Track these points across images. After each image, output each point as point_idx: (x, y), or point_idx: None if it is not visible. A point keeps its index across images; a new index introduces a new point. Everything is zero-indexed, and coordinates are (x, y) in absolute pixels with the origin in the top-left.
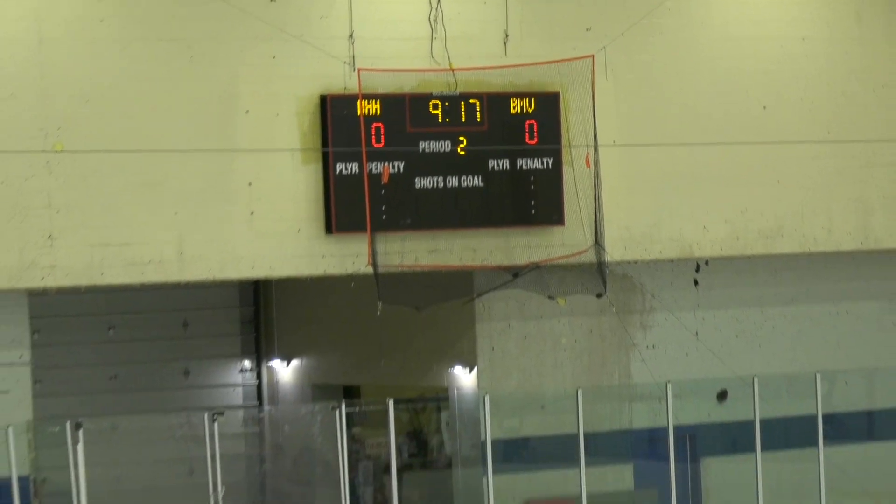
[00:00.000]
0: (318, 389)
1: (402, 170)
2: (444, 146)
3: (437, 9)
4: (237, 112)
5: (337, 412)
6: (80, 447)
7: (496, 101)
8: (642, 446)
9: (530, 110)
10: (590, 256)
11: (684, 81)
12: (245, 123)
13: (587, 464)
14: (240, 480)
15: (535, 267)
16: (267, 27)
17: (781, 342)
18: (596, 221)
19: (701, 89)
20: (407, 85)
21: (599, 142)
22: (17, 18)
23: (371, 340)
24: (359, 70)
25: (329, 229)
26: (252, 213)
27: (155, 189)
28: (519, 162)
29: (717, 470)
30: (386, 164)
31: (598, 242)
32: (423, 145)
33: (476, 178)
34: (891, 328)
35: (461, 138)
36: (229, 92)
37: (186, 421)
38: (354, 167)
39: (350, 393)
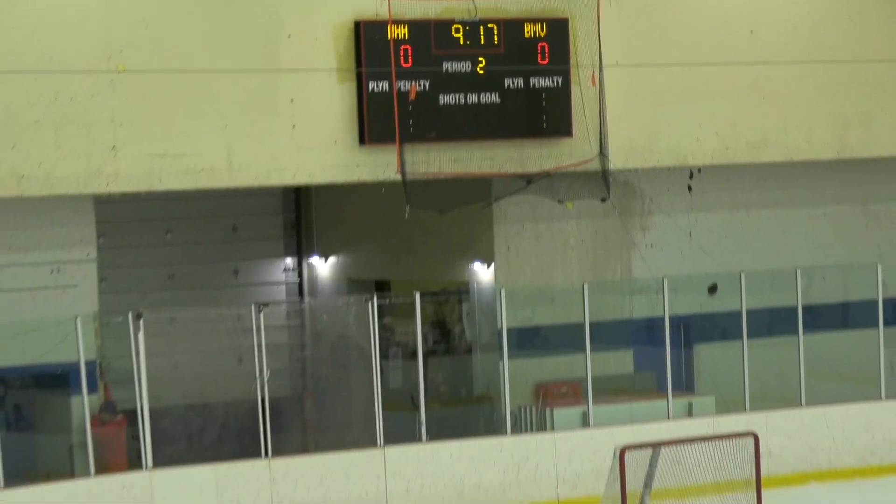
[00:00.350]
0: (352, 283)
1: (427, 88)
2: (465, 66)
3: None
4: (280, 36)
5: (369, 304)
6: (140, 336)
7: (512, 26)
8: (641, 334)
9: (542, 34)
10: (595, 165)
11: (680, 7)
12: (287, 46)
13: (592, 350)
14: (283, 367)
15: (547, 174)
16: None
17: (766, 241)
18: (600, 133)
19: (695, 15)
20: (432, 11)
21: (604, 62)
22: None
23: (400, 240)
24: None
25: (362, 141)
26: (294, 127)
27: (207, 105)
28: (532, 80)
29: (707, 355)
30: (413, 82)
31: (602, 152)
32: (446, 66)
33: (493, 95)
34: (863, 229)
35: (480, 59)
36: (273, 18)
37: (236, 314)
38: (385, 85)
39: (381, 286)
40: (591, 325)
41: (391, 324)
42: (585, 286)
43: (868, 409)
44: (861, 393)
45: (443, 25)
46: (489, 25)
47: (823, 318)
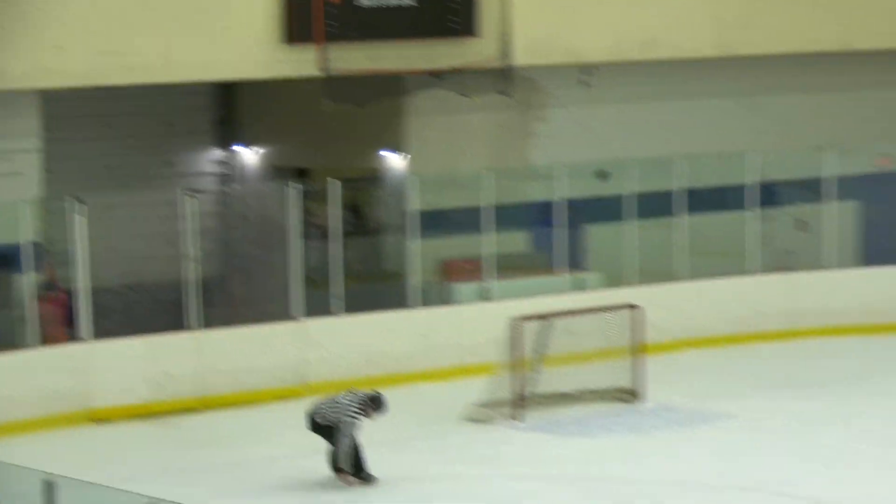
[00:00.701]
0: (276, 171)
1: None
2: None
3: None
4: None
5: (291, 190)
6: (80, 220)
7: None
8: (538, 216)
9: None
10: (500, 62)
11: None
12: None
13: (493, 230)
14: (212, 249)
15: (455, 71)
16: None
17: (653, 131)
18: (505, 33)
19: None
20: None
21: None
22: None
23: (320, 131)
24: None
25: (287, 40)
26: (224, 27)
27: (145, 7)
28: None
29: (598, 235)
30: None
31: (506, 51)
32: None
33: None
34: (739, 119)
35: None
36: None
37: (169, 201)
38: None
39: (303, 174)
40: (492, 208)
41: (311, 208)
42: (488, 173)
43: (740, 283)
44: (735, 268)
45: None
46: None
47: (703, 200)
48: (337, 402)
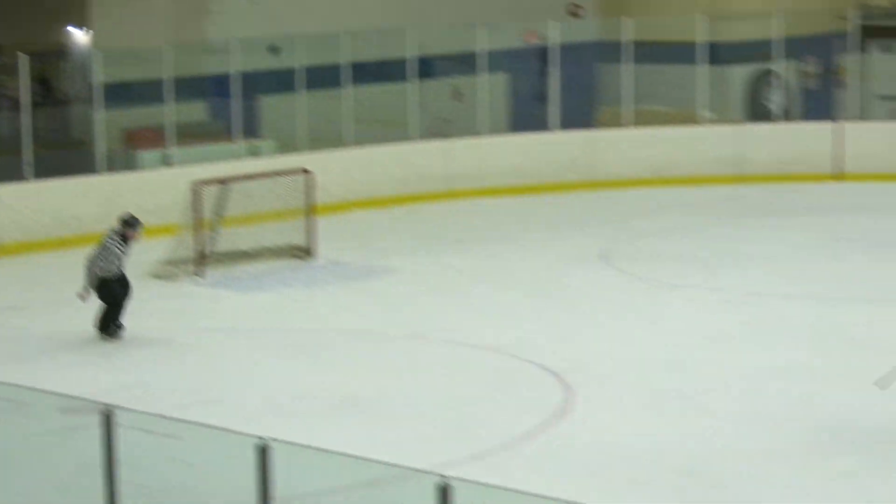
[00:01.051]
0: None
1: None
2: None
3: None
4: None
5: None
6: None
7: None
8: (216, 88)
9: None
10: None
11: None
12: None
13: (174, 102)
14: None
15: None
16: None
17: (320, 8)
18: None
19: None
20: None
21: None
22: None
23: (9, 7)
24: None
25: None
26: None
27: None
28: None
29: (271, 105)
30: None
31: None
32: None
33: None
34: None
35: None
36: None
37: None
38: None
39: None
40: (172, 80)
41: (2, 80)
42: (168, 47)
43: (402, 149)
44: (397, 135)
45: None
46: None
47: (367, 73)
48: (102, 246)
